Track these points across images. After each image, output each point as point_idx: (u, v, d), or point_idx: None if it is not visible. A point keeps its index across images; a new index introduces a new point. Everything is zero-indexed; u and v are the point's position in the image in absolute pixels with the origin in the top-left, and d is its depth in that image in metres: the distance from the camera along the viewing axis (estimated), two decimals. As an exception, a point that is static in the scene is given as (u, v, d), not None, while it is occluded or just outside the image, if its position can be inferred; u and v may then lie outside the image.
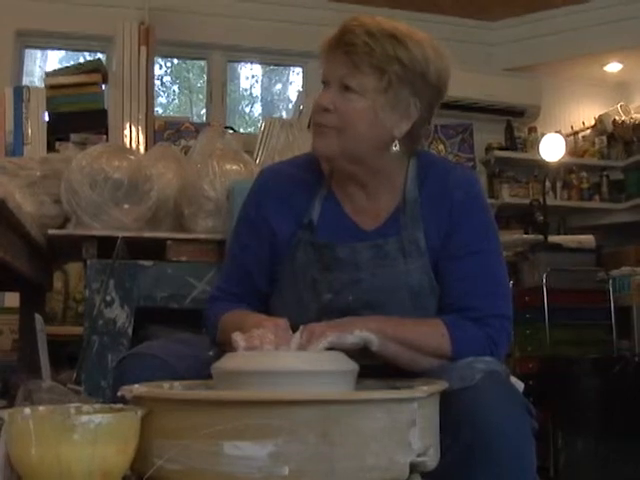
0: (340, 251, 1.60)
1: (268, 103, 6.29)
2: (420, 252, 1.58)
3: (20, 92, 3.47)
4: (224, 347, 1.52)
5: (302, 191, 1.67)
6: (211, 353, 1.57)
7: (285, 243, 1.64)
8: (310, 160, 1.73)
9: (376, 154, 1.59)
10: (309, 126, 3.51)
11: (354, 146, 1.56)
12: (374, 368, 1.44)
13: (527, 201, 5.53)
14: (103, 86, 3.92)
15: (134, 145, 3.83)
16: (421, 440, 1.15)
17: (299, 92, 5.67)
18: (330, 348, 1.36)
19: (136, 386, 1.24)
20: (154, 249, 2.58)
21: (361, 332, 1.41)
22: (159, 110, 5.54)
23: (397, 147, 1.59)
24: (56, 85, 3.69)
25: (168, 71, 6.06)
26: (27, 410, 1.11)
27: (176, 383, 1.40)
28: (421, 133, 1.66)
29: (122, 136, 3.85)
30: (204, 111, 5.76)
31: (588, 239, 5.11)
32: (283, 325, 1.42)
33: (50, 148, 3.43)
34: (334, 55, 1.56)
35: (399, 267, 1.58)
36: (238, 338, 1.35)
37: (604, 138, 5.95)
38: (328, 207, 1.66)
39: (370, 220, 1.64)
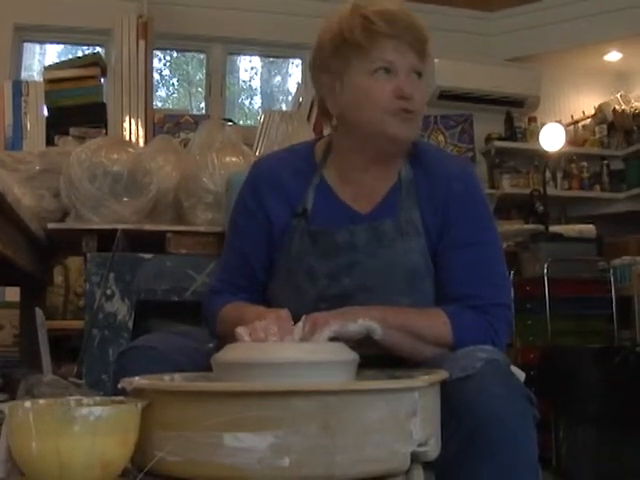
0: (338, 236, 1.60)
1: (267, 95, 6.28)
2: (417, 231, 1.60)
3: (19, 86, 3.47)
4: (224, 339, 1.53)
5: (296, 180, 1.68)
6: (211, 345, 1.57)
7: (281, 232, 1.65)
8: (303, 149, 1.75)
9: None
10: (309, 118, 3.53)
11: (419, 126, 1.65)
12: (375, 358, 1.45)
13: (527, 191, 5.53)
14: (102, 79, 3.91)
15: (134, 138, 3.82)
16: (422, 430, 1.15)
17: (298, 84, 5.66)
18: (333, 337, 1.36)
19: (136, 378, 1.24)
20: (154, 242, 2.57)
21: (364, 321, 1.42)
22: (158, 103, 5.53)
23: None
24: (55, 79, 3.69)
25: (167, 64, 6.05)
26: (27, 403, 1.11)
27: (176, 375, 1.40)
28: None
29: (121, 129, 3.85)
30: (203, 104, 5.75)
31: (589, 229, 5.10)
32: (285, 316, 1.42)
33: (49, 142, 3.43)
34: (401, 44, 1.57)
35: (396, 247, 1.59)
36: (242, 332, 1.35)
37: (604, 127, 5.95)
38: (321, 194, 1.66)
39: (365, 203, 1.65)
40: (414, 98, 1.57)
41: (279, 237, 1.65)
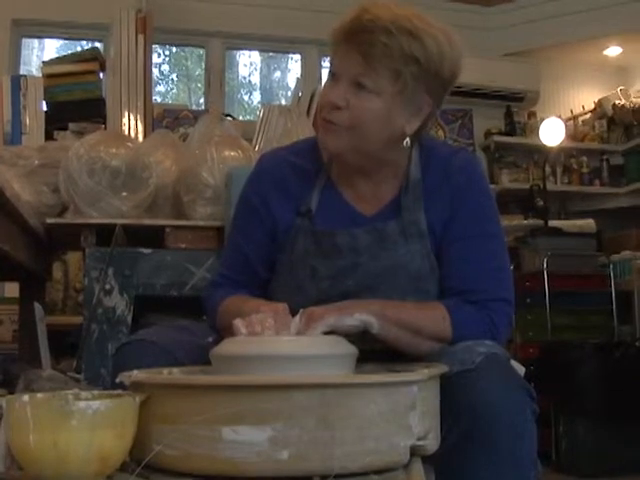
0: (339, 237, 1.59)
1: (267, 91, 6.27)
2: (420, 234, 1.58)
3: (18, 81, 3.46)
4: (223, 333, 1.52)
5: (301, 180, 1.66)
6: (210, 339, 1.57)
7: (284, 231, 1.64)
8: (309, 147, 1.72)
9: (386, 149, 1.58)
10: (308, 113, 3.51)
11: (364, 143, 1.54)
12: (374, 352, 1.44)
13: (527, 186, 5.53)
14: (101, 74, 3.90)
15: (133, 133, 3.82)
16: (421, 424, 1.15)
17: (298, 79, 5.65)
18: (330, 332, 1.35)
19: (135, 372, 1.23)
20: (153, 236, 2.57)
21: (361, 315, 1.41)
22: (157, 98, 5.52)
23: (408, 144, 1.59)
24: (54, 74, 3.68)
25: (166, 59, 6.04)
26: (25, 397, 1.11)
27: (175, 369, 1.40)
28: (429, 124, 1.65)
29: (120, 125, 3.84)
30: (203, 99, 5.75)
31: (588, 224, 5.10)
32: (282, 310, 1.41)
33: (48, 137, 3.43)
34: (348, 50, 1.50)
35: (399, 250, 1.57)
36: (239, 324, 1.34)
37: (604, 122, 5.95)
38: (327, 195, 1.65)
39: (371, 205, 1.64)
40: (343, 108, 1.50)
41: (282, 236, 1.64)
